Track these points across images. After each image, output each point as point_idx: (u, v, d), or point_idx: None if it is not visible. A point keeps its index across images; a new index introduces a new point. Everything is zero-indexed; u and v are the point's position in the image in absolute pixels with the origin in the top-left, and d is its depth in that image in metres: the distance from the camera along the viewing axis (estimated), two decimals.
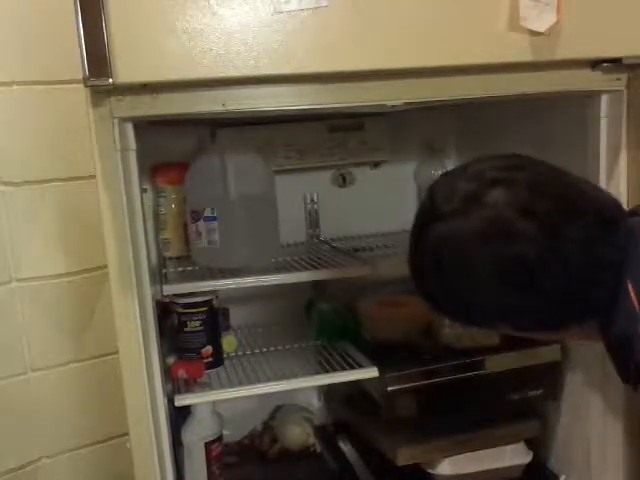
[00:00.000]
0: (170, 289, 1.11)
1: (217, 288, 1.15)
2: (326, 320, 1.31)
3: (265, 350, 1.29)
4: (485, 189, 0.69)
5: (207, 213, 1.15)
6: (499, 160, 0.74)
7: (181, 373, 1.11)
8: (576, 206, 0.70)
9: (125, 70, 0.78)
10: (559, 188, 0.71)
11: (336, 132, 1.40)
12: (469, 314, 0.76)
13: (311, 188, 1.45)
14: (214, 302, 1.19)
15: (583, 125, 1.05)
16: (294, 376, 1.15)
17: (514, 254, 0.68)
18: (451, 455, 1.21)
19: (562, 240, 0.67)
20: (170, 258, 1.30)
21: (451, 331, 1.23)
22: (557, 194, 0.70)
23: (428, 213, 0.74)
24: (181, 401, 1.08)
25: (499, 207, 0.68)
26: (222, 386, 1.13)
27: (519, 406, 1.25)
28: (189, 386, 1.12)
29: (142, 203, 0.94)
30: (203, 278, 1.15)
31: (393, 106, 0.93)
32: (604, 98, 1.01)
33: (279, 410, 1.47)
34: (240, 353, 1.28)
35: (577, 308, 0.72)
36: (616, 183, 1.02)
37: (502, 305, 0.71)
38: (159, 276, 1.18)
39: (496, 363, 1.18)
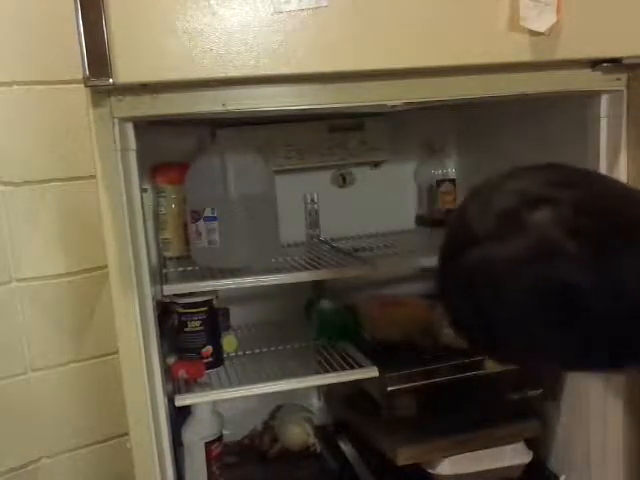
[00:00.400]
0: (170, 289, 1.11)
1: (217, 288, 1.15)
2: (326, 320, 1.31)
3: (265, 350, 1.29)
4: (527, 209, 0.60)
5: (207, 213, 1.15)
6: (540, 174, 0.65)
7: (181, 373, 1.11)
8: (633, 225, 0.61)
9: (125, 70, 0.78)
10: (611, 205, 0.62)
11: (336, 132, 1.40)
12: (508, 350, 0.67)
13: (311, 188, 1.45)
14: (214, 302, 1.19)
15: (583, 125, 1.05)
16: (294, 376, 1.14)
17: (561, 282, 0.59)
18: (451, 455, 1.21)
19: (617, 265, 0.58)
20: (170, 258, 1.30)
21: (451, 331, 1.22)
22: (609, 212, 0.61)
23: (460, 236, 0.65)
24: (181, 401, 1.08)
25: (543, 230, 0.59)
26: (222, 386, 1.13)
27: (519, 406, 1.25)
28: (189, 386, 1.12)
29: (142, 203, 0.94)
30: (203, 278, 1.15)
31: (393, 106, 0.93)
32: (604, 98, 1.01)
33: (279, 410, 1.47)
34: (240, 353, 1.28)
35: (636, 345, 0.61)
36: None
37: (546, 340, 0.62)
38: (159, 276, 1.19)
39: (496, 363, 1.18)
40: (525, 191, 0.63)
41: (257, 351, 1.29)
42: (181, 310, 1.17)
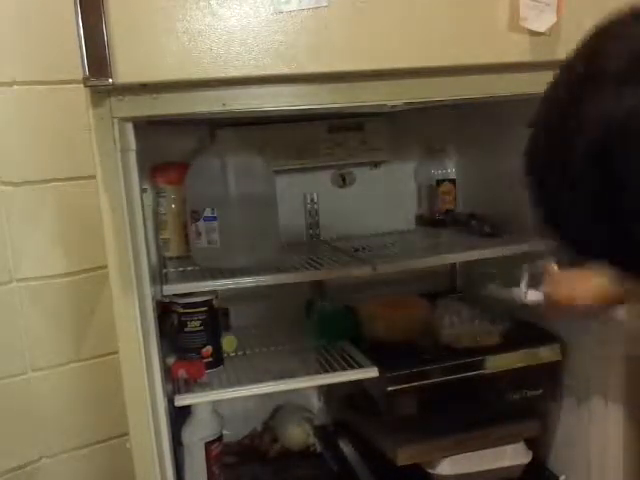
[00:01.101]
0: (170, 289, 1.10)
1: (217, 288, 1.15)
2: (326, 320, 1.31)
3: (265, 350, 1.29)
4: None
5: (207, 213, 1.15)
6: None
7: (181, 373, 1.11)
8: None
9: (125, 70, 0.78)
10: None
11: (336, 132, 1.40)
12: None
13: (311, 188, 1.45)
14: (214, 302, 1.19)
15: None
16: (294, 376, 1.14)
17: None
18: (451, 455, 1.21)
19: None
20: (170, 258, 1.30)
21: (451, 331, 1.23)
22: None
23: (586, 81, 0.44)
24: (181, 401, 1.08)
25: None
26: (222, 386, 1.13)
27: (519, 406, 1.25)
28: (189, 386, 1.11)
29: (142, 203, 0.94)
30: (203, 278, 1.15)
31: (393, 106, 0.93)
32: None
33: (279, 410, 1.47)
34: (240, 353, 1.28)
35: None
36: None
37: None
38: (159, 276, 1.18)
39: (496, 363, 1.18)
40: None
41: (257, 351, 1.29)
42: (181, 310, 1.17)
